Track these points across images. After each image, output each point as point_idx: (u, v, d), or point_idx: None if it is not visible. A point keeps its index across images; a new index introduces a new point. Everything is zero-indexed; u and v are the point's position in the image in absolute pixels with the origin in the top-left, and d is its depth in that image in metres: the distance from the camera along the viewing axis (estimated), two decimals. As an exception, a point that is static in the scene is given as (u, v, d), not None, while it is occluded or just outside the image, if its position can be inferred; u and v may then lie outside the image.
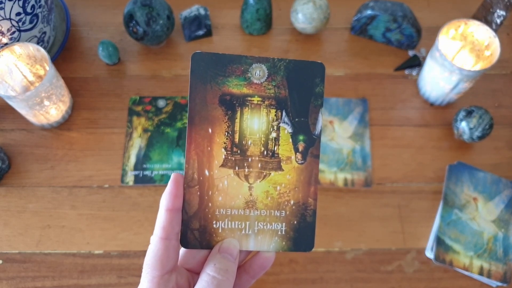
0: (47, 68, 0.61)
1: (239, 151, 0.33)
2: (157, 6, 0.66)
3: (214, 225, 0.33)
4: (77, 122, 0.67)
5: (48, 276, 0.57)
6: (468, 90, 0.65)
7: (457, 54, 0.66)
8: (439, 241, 0.58)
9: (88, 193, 0.62)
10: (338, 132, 0.66)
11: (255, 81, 0.33)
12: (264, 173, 0.33)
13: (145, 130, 0.66)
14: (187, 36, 0.74)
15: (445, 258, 0.57)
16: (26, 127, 0.66)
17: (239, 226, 0.33)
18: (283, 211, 0.34)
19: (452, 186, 0.61)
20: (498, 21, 0.69)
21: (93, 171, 0.63)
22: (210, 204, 0.33)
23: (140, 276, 0.61)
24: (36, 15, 0.62)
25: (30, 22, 0.61)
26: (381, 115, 0.68)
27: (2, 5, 0.56)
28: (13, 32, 0.60)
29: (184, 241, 0.33)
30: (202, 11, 0.74)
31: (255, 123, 0.33)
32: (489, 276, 0.56)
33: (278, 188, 0.34)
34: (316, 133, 0.34)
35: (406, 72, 0.71)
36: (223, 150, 0.33)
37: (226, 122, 0.33)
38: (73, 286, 0.56)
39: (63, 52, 0.72)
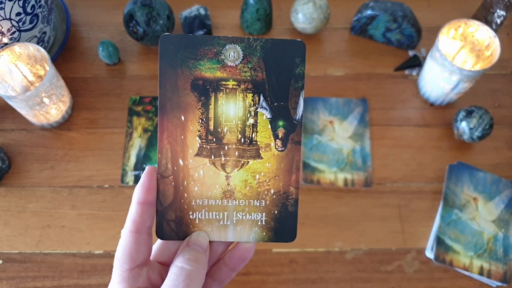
0: (47, 68, 0.61)
1: (214, 139, 0.32)
2: (157, 6, 0.66)
3: (191, 216, 0.32)
4: (77, 122, 0.67)
5: (48, 276, 0.57)
6: (468, 90, 0.65)
7: (457, 54, 0.66)
8: (439, 241, 0.58)
9: (88, 193, 0.62)
10: (338, 132, 0.66)
11: (229, 63, 0.31)
12: (242, 162, 0.32)
13: (145, 130, 0.66)
14: (187, 36, 0.73)
15: (445, 258, 0.57)
16: (26, 127, 0.66)
17: (217, 216, 0.32)
18: (263, 201, 0.32)
19: (452, 186, 0.61)
20: (498, 21, 0.69)
21: (93, 171, 0.63)
22: (185, 195, 0.32)
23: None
24: (36, 15, 0.62)
25: (30, 22, 0.61)
26: (381, 115, 0.68)
27: (2, 5, 0.56)
28: (13, 32, 0.60)
29: (160, 233, 0.32)
30: (202, 11, 0.74)
31: (231, 109, 0.31)
32: (489, 276, 0.56)
33: (257, 177, 0.32)
34: (297, 118, 0.32)
35: (406, 72, 0.71)
36: (197, 138, 0.31)
37: (200, 108, 0.31)
38: (73, 286, 0.56)
39: (63, 52, 0.72)
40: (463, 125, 0.62)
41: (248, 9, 0.71)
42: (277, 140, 0.32)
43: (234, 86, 0.31)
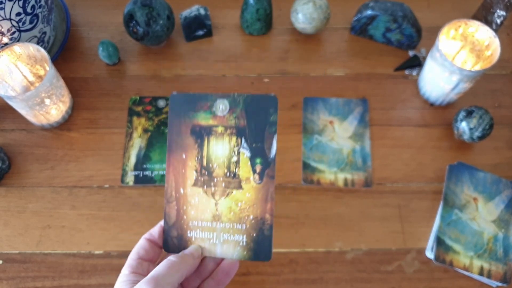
0: (47, 68, 0.61)
1: (207, 173, 0.39)
2: (157, 6, 0.66)
3: (189, 234, 0.39)
4: (77, 122, 0.67)
5: (48, 276, 0.57)
6: (468, 90, 0.65)
7: (457, 54, 0.66)
8: (439, 241, 0.58)
9: (88, 193, 0.62)
10: (338, 132, 0.66)
11: (219, 114, 0.39)
12: (227, 191, 0.39)
13: (145, 130, 0.66)
14: (187, 36, 0.74)
15: (445, 258, 0.57)
16: (26, 127, 0.66)
17: (208, 236, 0.39)
18: (244, 225, 0.39)
19: (452, 186, 0.61)
20: (498, 21, 0.69)
21: (93, 171, 0.63)
22: (185, 217, 0.39)
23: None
24: (36, 15, 0.62)
25: (30, 22, 0.61)
26: (381, 115, 0.68)
27: (2, 5, 0.56)
28: (13, 32, 0.60)
29: (166, 246, 0.40)
30: (202, 11, 0.74)
31: (220, 149, 0.39)
32: (489, 276, 0.56)
33: (239, 204, 0.39)
34: (271, 156, 0.38)
35: (406, 72, 0.71)
36: (194, 172, 0.39)
37: (196, 149, 0.39)
38: (73, 286, 0.56)
39: (63, 52, 0.72)
40: (463, 125, 0.62)
41: (248, 9, 0.71)
42: (255, 174, 0.39)
43: (222, 131, 0.39)
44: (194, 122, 0.39)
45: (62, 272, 0.57)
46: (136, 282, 0.35)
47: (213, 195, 0.39)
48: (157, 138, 0.65)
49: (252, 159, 0.39)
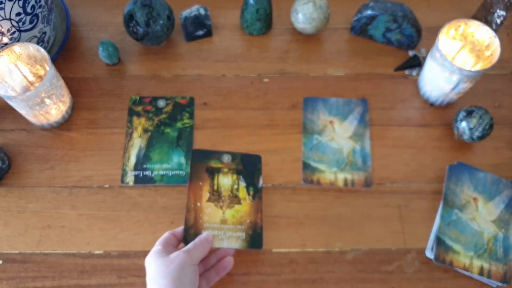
0: (47, 68, 0.61)
1: (216, 194, 0.59)
2: (157, 6, 0.66)
3: (203, 232, 0.56)
4: (77, 122, 0.67)
5: (48, 276, 0.57)
6: (468, 90, 0.65)
7: (457, 54, 0.66)
8: (439, 241, 0.58)
9: (88, 193, 0.62)
10: (338, 132, 0.66)
11: (225, 161, 0.61)
12: (231, 205, 0.58)
13: (145, 130, 0.66)
14: (187, 36, 0.74)
15: (445, 258, 0.57)
16: (26, 127, 0.66)
17: (218, 233, 0.56)
18: (243, 225, 0.57)
19: (452, 186, 0.61)
20: (498, 21, 0.69)
21: (93, 171, 0.63)
22: (200, 221, 0.56)
23: (139, 276, 0.62)
24: (36, 15, 0.62)
25: (30, 22, 0.61)
26: (381, 115, 0.68)
27: (2, 5, 0.56)
28: (13, 32, 0.60)
29: (185, 241, 0.55)
30: (202, 11, 0.74)
31: (225, 181, 0.60)
32: (489, 276, 0.56)
33: (239, 213, 0.58)
34: (259, 187, 0.60)
35: (406, 72, 0.71)
36: (208, 193, 0.58)
37: (210, 180, 0.59)
38: (73, 286, 0.56)
39: (63, 52, 0.72)
40: (463, 125, 0.62)
41: (248, 9, 0.71)
42: (249, 196, 0.59)
43: (227, 171, 0.60)
44: (208, 164, 0.60)
45: (62, 272, 0.57)
46: (167, 252, 0.50)
47: (221, 207, 0.58)
48: (157, 138, 0.65)
49: (247, 187, 0.60)
